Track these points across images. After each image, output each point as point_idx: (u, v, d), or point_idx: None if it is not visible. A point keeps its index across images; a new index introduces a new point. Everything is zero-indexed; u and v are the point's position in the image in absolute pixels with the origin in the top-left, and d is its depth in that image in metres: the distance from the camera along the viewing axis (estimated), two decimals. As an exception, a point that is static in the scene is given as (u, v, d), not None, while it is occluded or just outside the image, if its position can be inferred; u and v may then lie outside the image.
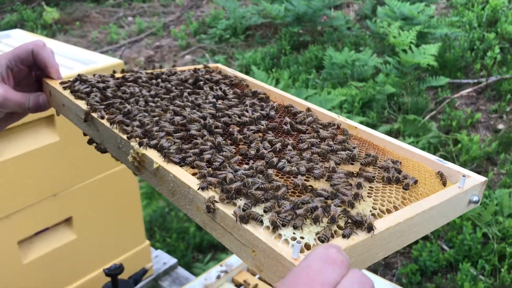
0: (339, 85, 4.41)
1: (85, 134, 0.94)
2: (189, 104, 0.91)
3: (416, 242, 3.04)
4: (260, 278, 1.33)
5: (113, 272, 1.33)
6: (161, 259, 2.15)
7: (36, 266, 1.64)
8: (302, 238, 0.58)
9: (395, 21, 4.88)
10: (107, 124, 0.83)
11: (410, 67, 4.20)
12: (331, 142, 0.82)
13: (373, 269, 2.97)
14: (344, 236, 0.59)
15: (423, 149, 3.59)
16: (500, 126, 3.86)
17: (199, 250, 3.16)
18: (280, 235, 0.57)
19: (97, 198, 1.76)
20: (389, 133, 3.84)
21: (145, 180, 0.77)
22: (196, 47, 5.86)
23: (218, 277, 1.29)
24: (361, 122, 3.85)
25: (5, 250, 1.56)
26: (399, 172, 0.75)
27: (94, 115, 0.85)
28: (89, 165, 1.69)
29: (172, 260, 2.15)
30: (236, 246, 0.60)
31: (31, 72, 0.92)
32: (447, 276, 2.82)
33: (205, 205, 0.63)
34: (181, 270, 2.14)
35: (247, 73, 4.55)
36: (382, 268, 3.01)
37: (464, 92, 4.26)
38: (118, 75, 1.04)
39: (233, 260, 1.35)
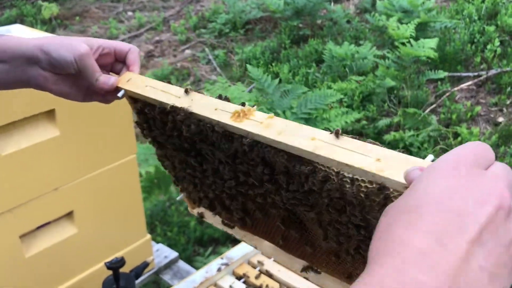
0: (339, 79, 4.42)
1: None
2: None
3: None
4: (260, 270, 1.34)
5: (115, 266, 1.34)
6: (162, 253, 2.17)
7: (38, 260, 1.65)
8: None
9: (395, 13, 4.87)
10: None
11: (410, 61, 4.20)
12: None
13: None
14: None
15: (422, 142, 3.60)
16: (500, 119, 3.86)
17: (200, 244, 3.18)
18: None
19: (98, 192, 1.77)
20: (389, 126, 3.85)
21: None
22: (196, 41, 5.85)
23: (219, 269, 1.30)
24: (361, 118, 3.86)
25: (7, 244, 1.57)
26: None
27: None
28: (90, 160, 1.70)
29: (173, 254, 2.17)
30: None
31: (108, 66, 0.99)
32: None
33: None
34: (182, 264, 2.15)
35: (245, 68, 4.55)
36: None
37: (464, 85, 4.26)
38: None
39: (233, 253, 1.37)
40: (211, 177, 0.95)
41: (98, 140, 1.71)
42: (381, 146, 0.61)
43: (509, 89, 4.06)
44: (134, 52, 0.97)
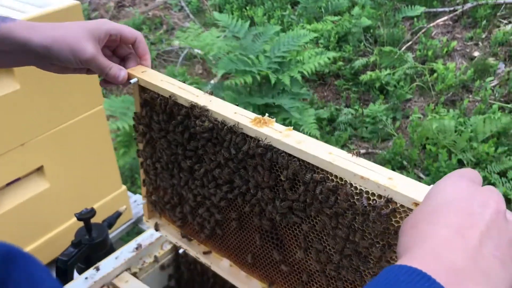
0: (314, 20, 4.33)
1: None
2: None
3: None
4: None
5: (85, 216, 1.34)
6: (140, 204, 2.16)
7: (11, 217, 1.64)
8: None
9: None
10: None
11: (386, -2, 4.12)
12: None
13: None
14: None
15: (398, 81, 3.59)
16: (476, 54, 3.85)
17: (181, 193, 3.19)
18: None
19: (67, 145, 1.74)
20: (366, 66, 3.82)
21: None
22: (167, -12, 5.65)
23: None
24: (338, 57, 3.81)
25: (-22, 203, 1.55)
26: None
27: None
28: (55, 113, 1.66)
29: (151, 204, 2.17)
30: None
31: (116, 50, 1.01)
32: (424, 203, 2.90)
33: None
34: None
35: (220, 11, 4.41)
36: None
37: (440, 21, 4.21)
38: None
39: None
40: (199, 181, 1.00)
41: (62, 93, 1.66)
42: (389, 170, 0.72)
43: (484, 22, 4.03)
44: (142, 42, 0.99)
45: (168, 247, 1.24)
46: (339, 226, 0.78)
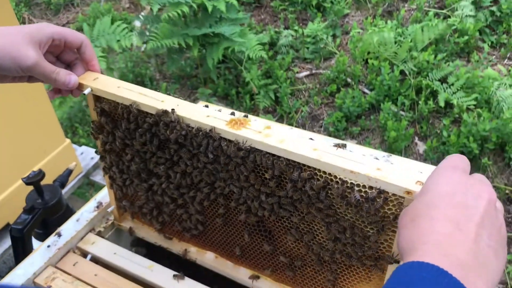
0: None
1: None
2: None
3: (338, 91, 3.11)
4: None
5: (33, 180, 1.24)
6: (88, 155, 2.06)
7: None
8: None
9: None
10: None
11: None
12: None
13: (302, 124, 3.05)
14: None
15: (335, -4, 3.51)
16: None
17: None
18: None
19: (1, 106, 1.59)
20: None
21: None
22: None
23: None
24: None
25: None
26: None
27: None
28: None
29: (100, 154, 2.07)
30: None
31: (60, 55, 0.93)
32: (371, 117, 2.95)
33: None
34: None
35: None
36: (310, 121, 3.09)
37: None
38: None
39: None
40: (175, 185, 0.95)
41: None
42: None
43: None
44: (88, 45, 0.91)
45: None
46: (329, 219, 0.80)
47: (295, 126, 3.06)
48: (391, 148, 2.75)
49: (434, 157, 2.65)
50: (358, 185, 0.73)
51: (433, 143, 2.65)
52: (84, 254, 1.06)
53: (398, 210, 0.72)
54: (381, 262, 0.80)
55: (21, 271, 0.99)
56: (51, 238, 1.05)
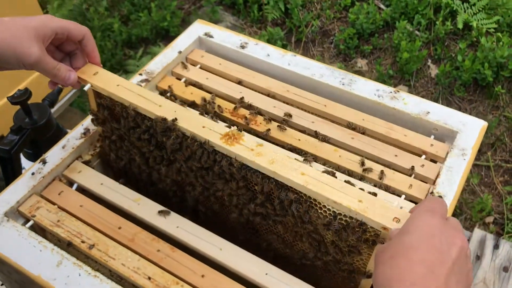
0: None
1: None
2: None
3: (352, 5, 2.93)
4: (187, 82, 1.21)
5: (20, 99, 1.18)
6: (84, 67, 1.98)
7: None
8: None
9: None
10: None
11: None
12: None
13: (311, 39, 2.90)
14: None
15: None
16: None
17: (129, 46, 2.97)
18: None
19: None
20: None
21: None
22: None
23: (139, 88, 1.16)
24: None
25: None
26: None
27: None
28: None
29: (97, 66, 1.98)
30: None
31: (59, 46, 0.93)
32: (384, 36, 2.80)
33: None
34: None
35: None
36: (320, 36, 2.95)
37: None
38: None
39: (153, 66, 1.21)
40: (170, 178, 0.98)
41: None
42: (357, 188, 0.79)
43: None
44: (90, 39, 0.92)
45: (120, 126, 1.12)
46: (312, 236, 0.85)
47: (304, 41, 2.93)
48: (402, 70, 2.64)
49: (445, 82, 2.54)
50: (340, 214, 0.79)
51: (446, 67, 2.53)
52: (71, 183, 1.03)
53: (375, 238, 0.78)
54: (354, 275, 0.86)
55: (5, 197, 0.97)
56: (36, 165, 1.01)
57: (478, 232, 1.48)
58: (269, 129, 1.07)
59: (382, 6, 2.87)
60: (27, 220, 0.96)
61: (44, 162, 1.02)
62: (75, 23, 0.90)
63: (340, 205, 0.77)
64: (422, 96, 2.59)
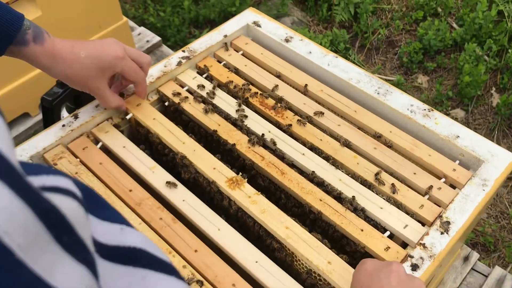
0: None
1: None
2: None
3: (424, 19, 2.85)
4: (226, 66, 1.23)
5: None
6: (144, 37, 2.05)
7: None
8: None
9: None
10: None
11: None
12: None
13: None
14: None
15: None
16: None
17: (196, 25, 3.04)
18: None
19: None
20: None
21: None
22: None
23: (179, 63, 1.19)
24: None
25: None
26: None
27: None
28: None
29: (156, 38, 2.05)
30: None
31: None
32: (451, 56, 2.71)
33: None
34: (165, 49, 2.06)
35: None
36: (385, 46, 2.90)
37: None
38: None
39: (197, 46, 1.24)
40: None
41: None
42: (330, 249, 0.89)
43: None
44: (142, 83, 1.08)
45: (154, 97, 1.17)
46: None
47: (368, 48, 2.89)
48: (461, 93, 2.55)
49: (506, 113, 2.43)
50: (312, 270, 0.89)
51: (510, 98, 2.41)
52: (97, 141, 1.08)
53: None
54: None
55: (34, 142, 1.03)
56: (68, 119, 1.08)
57: (498, 270, 1.42)
58: (290, 124, 1.08)
59: (454, 25, 2.78)
60: (49, 167, 1.02)
61: (76, 117, 1.08)
62: (141, 55, 1.05)
63: (311, 263, 0.87)
64: (479, 124, 2.49)
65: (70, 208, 0.30)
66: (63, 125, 1.06)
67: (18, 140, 1.75)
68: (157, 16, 2.94)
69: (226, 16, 2.99)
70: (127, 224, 0.40)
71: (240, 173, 0.99)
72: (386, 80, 2.74)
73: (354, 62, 2.81)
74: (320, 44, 2.81)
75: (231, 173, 0.99)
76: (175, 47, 2.83)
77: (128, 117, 1.10)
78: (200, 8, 3.00)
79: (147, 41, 2.02)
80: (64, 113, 1.39)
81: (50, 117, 1.27)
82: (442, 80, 2.66)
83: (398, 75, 2.75)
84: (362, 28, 2.89)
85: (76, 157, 1.03)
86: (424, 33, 2.71)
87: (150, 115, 1.10)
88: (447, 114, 2.55)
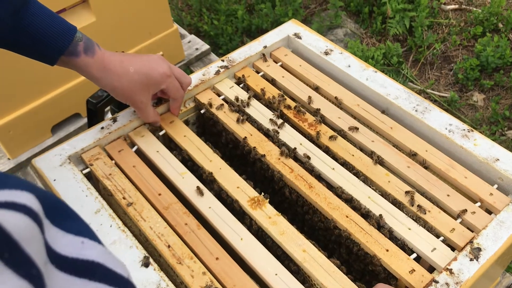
0: None
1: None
2: None
3: (483, 35, 2.74)
4: (264, 76, 1.24)
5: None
6: (194, 45, 2.10)
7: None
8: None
9: None
10: None
11: None
12: None
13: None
14: None
15: None
16: None
17: (248, 34, 3.07)
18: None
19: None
20: None
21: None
22: None
23: (217, 72, 1.21)
24: None
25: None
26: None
27: None
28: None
29: (205, 46, 2.10)
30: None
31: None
32: (510, 73, 2.59)
33: None
34: (214, 57, 2.09)
35: None
36: (440, 61, 2.81)
37: None
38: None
39: (236, 55, 1.26)
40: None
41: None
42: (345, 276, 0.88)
43: None
44: (178, 101, 1.12)
45: (191, 104, 1.19)
46: None
47: (422, 63, 2.81)
48: (518, 114, 2.43)
49: None
50: None
51: None
52: (132, 144, 1.11)
53: None
54: None
55: (73, 143, 1.08)
56: (107, 122, 1.12)
57: (508, 278, 1.35)
58: (322, 138, 1.07)
59: (515, 42, 2.66)
60: (85, 167, 1.06)
61: (115, 120, 1.12)
62: (184, 76, 1.09)
63: (321, 285, 0.87)
64: (534, 147, 2.36)
65: (17, 224, 0.31)
66: (102, 128, 1.11)
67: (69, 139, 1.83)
68: (211, 24, 3.00)
69: (278, 26, 3.01)
70: (92, 237, 0.41)
71: (263, 193, 1.00)
72: (439, 96, 2.66)
73: (406, 77, 2.75)
74: (373, 57, 2.77)
75: (253, 193, 0.99)
76: (226, 54, 2.87)
77: (161, 133, 1.13)
78: (253, 18, 3.03)
79: (196, 48, 2.07)
80: (109, 115, 1.45)
81: (94, 119, 1.32)
82: (499, 99, 2.55)
83: (452, 91, 2.66)
84: (417, 42, 2.82)
85: (112, 159, 1.07)
86: (482, 49, 2.61)
87: (181, 132, 1.12)
88: (503, 135, 2.44)
